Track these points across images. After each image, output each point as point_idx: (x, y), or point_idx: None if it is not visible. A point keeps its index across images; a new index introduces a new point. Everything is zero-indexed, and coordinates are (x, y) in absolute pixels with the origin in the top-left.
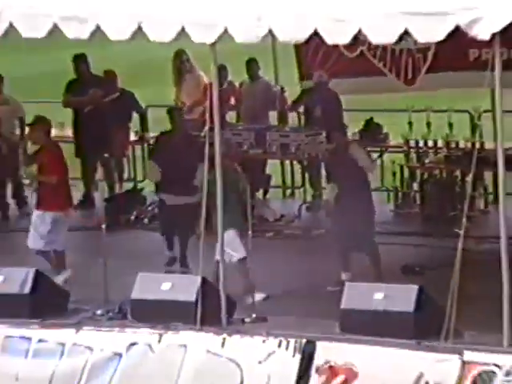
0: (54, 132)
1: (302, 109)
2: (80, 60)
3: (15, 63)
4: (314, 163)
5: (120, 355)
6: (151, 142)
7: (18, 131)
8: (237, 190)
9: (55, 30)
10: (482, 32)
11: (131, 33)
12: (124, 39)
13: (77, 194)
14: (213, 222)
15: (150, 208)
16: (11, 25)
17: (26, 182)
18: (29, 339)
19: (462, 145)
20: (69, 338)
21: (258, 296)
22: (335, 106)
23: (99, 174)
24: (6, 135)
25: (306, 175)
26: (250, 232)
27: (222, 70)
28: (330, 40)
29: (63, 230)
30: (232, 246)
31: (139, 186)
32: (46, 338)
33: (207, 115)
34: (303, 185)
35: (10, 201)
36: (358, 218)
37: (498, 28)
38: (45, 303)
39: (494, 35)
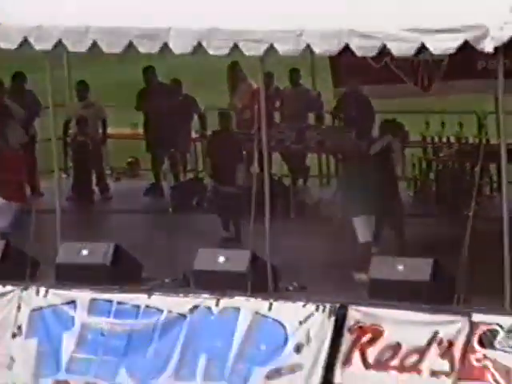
0: (128, 131)
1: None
2: (148, 71)
3: (99, 73)
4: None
5: (185, 316)
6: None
7: (101, 130)
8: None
9: (130, 46)
10: (487, 46)
11: (192, 48)
12: (186, 53)
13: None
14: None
15: (208, 194)
16: (95, 42)
17: (108, 172)
18: (110, 302)
19: (470, 141)
20: (142, 302)
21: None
22: (367, 108)
23: (166, 165)
24: (91, 134)
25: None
26: (292, 214)
27: (268, 78)
28: (359, 53)
29: None
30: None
31: (200, 175)
32: (125, 301)
33: (256, 116)
34: (337, 174)
35: (95, 188)
36: (389, 200)
37: (500, 42)
38: (123, 272)
39: (497, 49)
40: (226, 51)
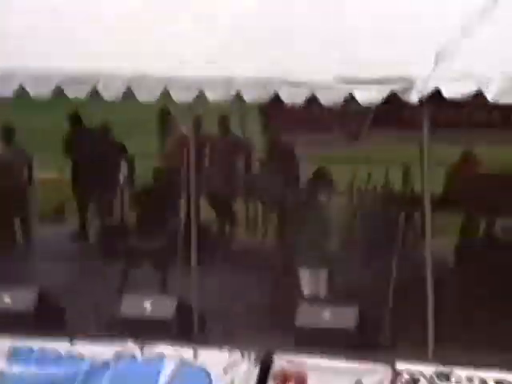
0: (53, 175)
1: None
2: (74, 117)
3: (25, 117)
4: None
5: (108, 364)
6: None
7: (26, 174)
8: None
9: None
10: (413, 97)
11: (122, 94)
12: (116, 99)
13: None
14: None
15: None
16: (22, 87)
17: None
18: (32, 349)
19: (396, 189)
20: (65, 349)
21: None
22: (292, 157)
23: (92, 211)
24: (15, 178)
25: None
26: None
27: (198, 124)
28: (288, 101)
29: None
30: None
31: (125, 222)
32: (47, 349)
33: (184, 162)
34: (264, 222)
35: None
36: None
37: (424, 94)
38: (45, 319)
39: (421, 100)
40: (155, 97)
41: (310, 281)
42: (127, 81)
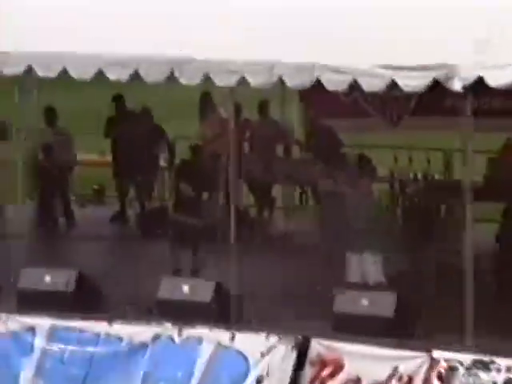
0: (95, 158)
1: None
2: (118, 99)
3: (67, 99)
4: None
5: (146, 345)
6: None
7: (68, 156)
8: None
9: (100, 73)
10: (456, 85)
11: (164, 77)
12: (158, 82)
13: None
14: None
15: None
16: (65, 68)
17: (73, 198)
18: (71, 329)
19: (436, 177)
20: (103, 329)
21: None
22: (335, 141)
23: (132, 193)
24: (58, 160)
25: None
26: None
27: (238, 109)
28: (329, 87)
29: None
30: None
31: (166, 204)
32: (85, 329)
33: (225, 147)
34: (302, 206)
35: (59, 214)
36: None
37: (468, 82)
38: (84, 300)
39: (465, 88)
40: (197, 81)
41: (353, 266)
42: (170, 64)
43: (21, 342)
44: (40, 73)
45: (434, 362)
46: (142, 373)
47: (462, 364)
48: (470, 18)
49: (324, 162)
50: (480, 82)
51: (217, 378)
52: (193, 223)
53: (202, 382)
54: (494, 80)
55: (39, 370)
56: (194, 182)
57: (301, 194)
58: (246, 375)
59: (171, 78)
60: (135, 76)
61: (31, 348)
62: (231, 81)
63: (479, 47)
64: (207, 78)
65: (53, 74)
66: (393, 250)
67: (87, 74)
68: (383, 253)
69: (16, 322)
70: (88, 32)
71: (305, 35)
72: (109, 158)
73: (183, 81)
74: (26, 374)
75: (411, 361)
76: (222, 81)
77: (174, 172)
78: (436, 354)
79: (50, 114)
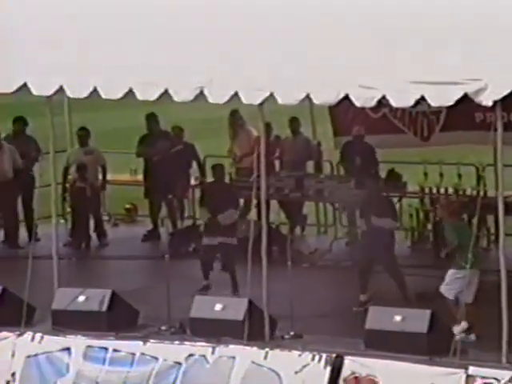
0: (127, 177)
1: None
2: (151, 118)
3: (99, 119)
4: (347, 205)
5: (180, 364)
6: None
7: (100, 176)
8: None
9: (130, 93)
10: (486, 99)
11: (194, 96)
12: (187, 101)
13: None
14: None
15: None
16: (95, 89)
17: (106, 218)
18: (106, 349)
19: (468, 192)
20: (138, 349)
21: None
22: (371, 155)
23: (164, 212)
24: (90, 180)
25: (337, 215)
26: (289, 263)
27: (268, 127)
28: (358, 103)
29: None
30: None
31: (197, 222)
32: (120, 349)
33: (255, 164)
34: (334, 223)
35: (92, 234)
36: (383, 248)
37: (499, 96)
38: (118, 319)
39: (495, 102)
40: (225, 99)
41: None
42: (198, 83)
43: (56, 362)
44: (70, 93)
45: (470, 379)
46: None
47: (498, 381)
48: (497, 32)
49: (356, 179)
50: (510, 95)
51: None
52: (224, 242)
53: None
54: None
55: None
56: (217, 202)
57: (333, 209)
58: None
59: (199, 97)
60: (165, 95)
61: (66, 368)
62: (258, 98)
63: None
64: (235, 96)
65: (83, 94)
66: (426, 266)
67: (117, 94)
68: (416, 268)
69: (51, 342)
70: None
71: (332, 51)
72: (140, 177)
73: (212, 100)
74: None
75: (447, 377)
76: (249, 98)
77: (201, 193)
78: (472, 370)
79: (83, 134)
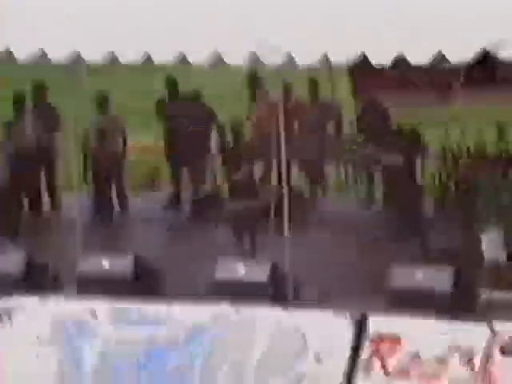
0: (147, 143)
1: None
2: (171, 82)
3: (118, 85)
4: (365, 165)
5: (205, 325)
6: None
7: (121, 143)
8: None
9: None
10: (507, 55)
11: (212, 59)
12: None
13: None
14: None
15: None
16: (112, 54)
17: (127, 184)
18: (131, 312)
19: (491, 151)
20: (163, 313)
21: None
22: (386, 119)
23: (185, 178)
24: (112, 146)
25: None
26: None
27: (287, 89)
28: (375, 61)
29: None
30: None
31: (219, 187)
32: (146, 313)
33: (275, 127)
34: (356, 184)
35: (115, 200)
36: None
37: None
38: (143, 284)
39: None
40: (244, 61)
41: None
42: (216, 44)
43: (82, 326)
44: (86, 57)
45: (495, 335)
46: (202, 355)
47: None
48: None
49: (375, 139)
50: None
51: (275, 356)
52: (247, 205)
53: (261, 361)
54: None
55: (101, 353)
56: (244, 172)
57: (354, 171)
58: (304, 352)
59: (216, 60)
60: (182, 59)
61: (93, 331)
62: (278, 60)
63: None
64: (254, 58)
65: (100, 58)
66: (448, 224)
67: (134, 57)
68: (438, 227)
69: (77, 306)
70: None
71: (348, 11)
72: (161, 143)
73: (228, 61)
74: (89, 356)
75: (471, 334)
76: (268, 60)
77: (224, 162)
78: (497, 326)
79: (102, 101)
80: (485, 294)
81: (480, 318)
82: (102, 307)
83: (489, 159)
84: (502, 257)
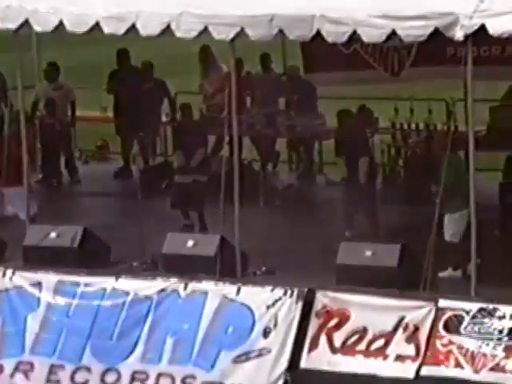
0: (97, 114)
1: None
2: (122, 54)
3: (68, 55)
4: (314, 141)
5: (152, 298)
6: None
7: (70, 112)
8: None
9: (97, 27)
10: (457, 34)
11: (160, 30)
12: (153, 35)
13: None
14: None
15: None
16: (61, 22)
17: (77, 155)
18: (77, 284)
19: (439, 128)
20: (109, 284)
21: None
22: (312, 94)
23: (135, 149)
24: (60, 116)
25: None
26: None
27: (239, 63)
28: (329, 39)
29: None
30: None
31: (169, 159)
32: (91, 284)
33: (226, 100)
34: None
35: (63, 170)
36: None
37: (470, 30)
38: (91, 256)
39: (467, 36)
40: (194, 34)
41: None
42: (166, 17)
43: (27, 297)
44: (36, 27)
45: (439, 312)
46: (148, 324)
47: (467, 312)
48: None
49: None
50: (481, 30)
51: (223, 331)
52: (196, 179)
53: (207, 335)
54: (495, 28)
55: (45, 324)
56: (188, 141)
57: (304, 146)
58: (252, 327)
59: (167, 32)
60: (132, 30)
61: (37, 303)
62: (229, 34)
63: None
64: (205, 31)
65: (49, 28)
66: (395, 202)
67: (83, 27)
68: (387, 204)
69: (22, 277)
70: None
71: None
72: (111, 114)
73: (179, 34)
74: (32, 327)
75: (417, 310)
76: (219, 34)
77: (174, 134)
78: (442, 303)
79: (52, 70)
80: (431, 272)
81: (426, 295)
82: (47, 279)
83: (436, 135)
84: (458, 236)
